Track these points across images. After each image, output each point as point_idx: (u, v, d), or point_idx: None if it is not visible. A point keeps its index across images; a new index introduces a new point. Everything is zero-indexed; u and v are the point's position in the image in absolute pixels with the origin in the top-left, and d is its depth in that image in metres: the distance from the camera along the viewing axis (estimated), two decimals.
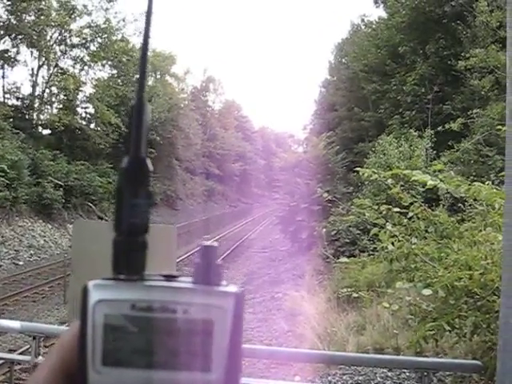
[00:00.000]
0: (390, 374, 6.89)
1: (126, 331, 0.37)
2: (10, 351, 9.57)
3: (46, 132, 35.03)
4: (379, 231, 5.37)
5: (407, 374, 6.77)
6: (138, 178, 0.41)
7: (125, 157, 0.41)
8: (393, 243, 5.20)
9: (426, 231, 5.42)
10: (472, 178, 10.23)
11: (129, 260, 0.40)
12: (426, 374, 2.76)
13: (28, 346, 8.95)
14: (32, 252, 24.86)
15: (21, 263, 22.98)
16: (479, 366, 2.98)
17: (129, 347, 0.37)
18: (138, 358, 0.37)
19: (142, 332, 0.38)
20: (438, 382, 6.21)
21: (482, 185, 5.18)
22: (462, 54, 21.92)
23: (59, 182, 28.64)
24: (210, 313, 0.39)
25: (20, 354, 8.44)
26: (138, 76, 0.40)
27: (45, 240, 26.77)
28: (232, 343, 0.38)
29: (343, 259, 9.03)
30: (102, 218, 30.50)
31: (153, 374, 0.37)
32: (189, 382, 0.37)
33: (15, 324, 3.08)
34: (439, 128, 21.09)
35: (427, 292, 4.67)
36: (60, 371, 0.39)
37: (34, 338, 2.97)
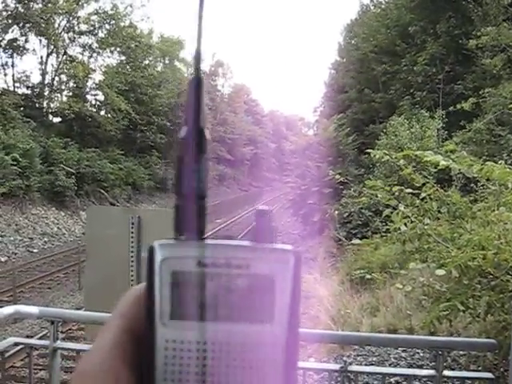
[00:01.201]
0: (403, 354, 6.92)
1: (191, 286, 0.40)
2: (28, 337, 9.71)
3: (57, 120, 35.27)
4: (391, 212, 5.36)
5: (421, 354, 6.80)
6: (196, 146, 0.43)
7: (183, 127, 0.44)
8: (405, 224, 5.19)
9: (439, 212, 5.40)
10: (484, 157, 10.15)
11: (190, 223, 0.42)
12: (440, 352, 2.77)
13: (46, 331, 9.07)
14: (46, 239, 25.10)
15: (35, 251, 23.23)
16: (494, 344, 2.98)
17: (195, 301, 0.40)
18: (203, 312, 0.40)
19: (207, 287, 0.40)
20: (452, 362, 6.24)
21: (494, 164, 5.13)
22: (473, 33, 21.60)
23: (71, 170, 28.81)
24: (272, 268, 0.41)
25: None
26: (195, 52, 0.44)
27: (58, 227, 27.01)
28: (293, 298, 0.41)
29: (356, 241, 9.03)
30: (113, 205, 30.67)
31: (218, 326, 0.40)
32: (252, 334, 0.40)
33: (33, 309, 3.12)
34: (451, 108, 20.88)
35: (441, 272, 4.66)
36: (124, 331, 0.42)
37: (52, 323, 3.01)
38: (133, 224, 3.76)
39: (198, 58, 0.44)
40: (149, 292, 0.41)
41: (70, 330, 10.96)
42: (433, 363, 2.93)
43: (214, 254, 0.41)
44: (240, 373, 0.40)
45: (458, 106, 19.72)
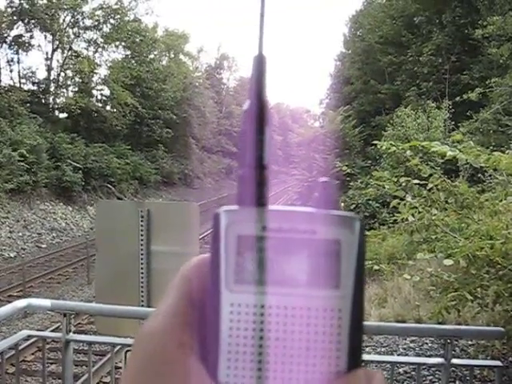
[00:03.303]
0: (412, 345, 6.93)
1: (257, 251, 0.40)
2: (39, 331, 9.79)
3: (63, 115, 35.30)
4: (399, 203, 5.37)
5: (429, 344, 6.81)
6: (259, 117, 0.44)
7: (246, 101, 0.45)
8: (413, 215, 5.20)
9: (446, 202, 5.39)
10: (492, 147, 10.12)
11: (252, 192, 0.42)
12: (448, 341, 2.79)
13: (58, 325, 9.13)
14: (54, 235, 25.22)
15: (44, 246, 23.35)
16: (502, 332, 3.00)
17: (260, 266, 0.40)
18: (270, 276, 0.40)
19: (273, 251, 0.40)
20: (460, 351, 6.26)
21: (501, 154, 5.12)
22: (480, 22, 21.48)
23: (78, 165, 28.89)
24: (338, 234, 0.41)
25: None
26: (258, 29, 0.45)
27: (66, 222, 27.12)
28: (358, 263, 0.42)
29: None
30: (121, 199, 30.73)
31: (284, 290, 0.40)
32: (318, 299, 0.41)
33: (46, 302, 3.17)
34: (457, 98, 20.78)
35: (448, 262, 4.67)
36: (185, 299, 0.43)
37: (65, 315, 3.05)
38: (142, 217, 3.79)
39: (261, 35, 0.45)
40: (214, 256, 0.42)
41: (79, 324, 11.06)
42: (441, 352, 2.95)
43: (279, 220, 0.41)
44: (302, 337, 0.41)
45: (465, 96, 19.63)
